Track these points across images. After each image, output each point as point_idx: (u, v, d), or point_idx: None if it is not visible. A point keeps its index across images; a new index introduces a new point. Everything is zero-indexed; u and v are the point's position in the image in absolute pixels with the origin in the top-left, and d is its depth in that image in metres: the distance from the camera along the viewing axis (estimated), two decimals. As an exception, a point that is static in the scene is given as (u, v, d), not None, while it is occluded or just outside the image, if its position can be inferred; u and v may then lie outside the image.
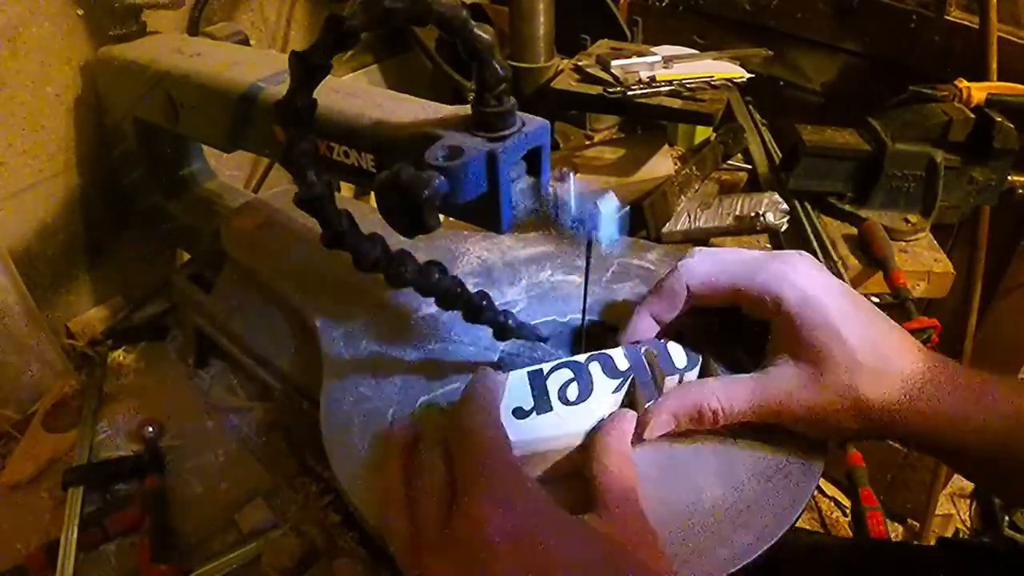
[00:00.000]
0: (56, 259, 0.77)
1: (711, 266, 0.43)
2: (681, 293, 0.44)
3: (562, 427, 0.41)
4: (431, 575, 0.33)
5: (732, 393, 0.41)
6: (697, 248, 0.46)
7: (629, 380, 0.43)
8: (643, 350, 0.44)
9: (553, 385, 0.43)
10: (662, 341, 0.45)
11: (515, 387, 0.42)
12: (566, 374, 0.43)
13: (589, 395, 0.42)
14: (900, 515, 1.57)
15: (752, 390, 0.40)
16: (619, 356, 0.44)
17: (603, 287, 0.57)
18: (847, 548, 0.64)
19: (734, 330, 0.46)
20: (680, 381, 0.44)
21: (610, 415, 0.42)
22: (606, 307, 0.55)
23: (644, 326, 0.45)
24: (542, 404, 0.42)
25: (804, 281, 0.41)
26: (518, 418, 0.41)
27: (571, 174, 0.42)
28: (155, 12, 0.73)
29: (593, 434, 0.41)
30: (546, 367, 0.43)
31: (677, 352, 0.44)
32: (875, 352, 0.39)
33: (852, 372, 0.39)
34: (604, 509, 0.36)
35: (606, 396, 0.42)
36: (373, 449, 0.44)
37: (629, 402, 0.43)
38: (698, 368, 0.44)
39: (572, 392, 0.42)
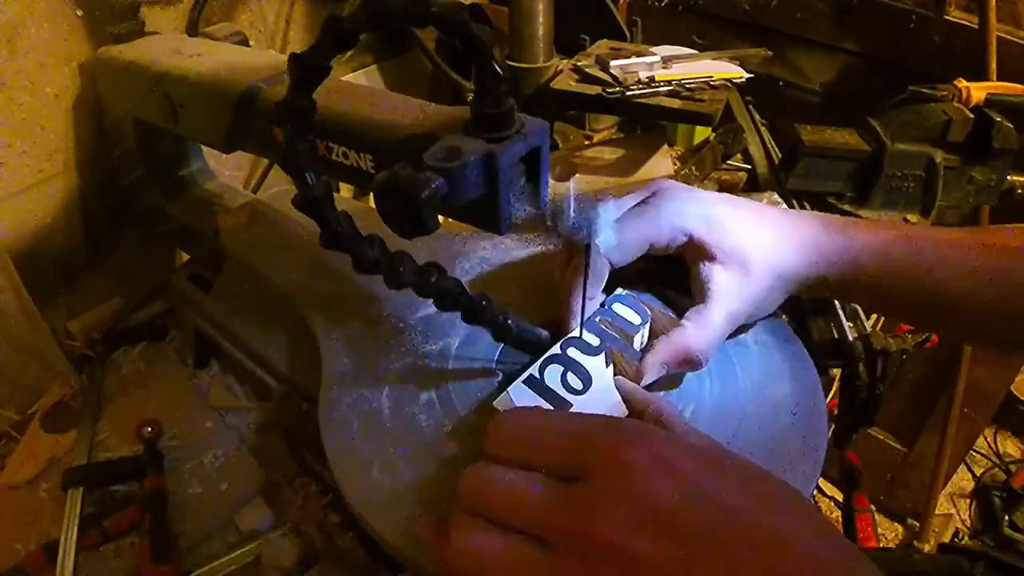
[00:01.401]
0: (55, 259, 0.77)
1: (619, 235, 0.47)
2: (604, 271, 0.48)
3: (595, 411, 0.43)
4: (593, 531, 0.31)
5: (705, 328, 0.46)
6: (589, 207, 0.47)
7: (608, 351, 0.46)
8: (598, 320, 0.48)
9: (553, 383, 0.43)
10: (606, 308, 0.48)
11: (524, 399, 0.42)
12: (557, 368, 0.44)
13: (590, 378, 0.44)
14: (900, 515, 1.57)
15: (717, 315, 0.46)
16: (587, 335, 0.46)
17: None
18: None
19: (649, 272, 0.52)
20: (641, 335, 0.48)
21: (620, 410, 0.43)
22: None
23: (575, 303, 0.48)
24: (559, 403, 0.42)
25: (694, 206, 0.48)
26: None
27: (570, 175, 0.42)
28: (154, 13, 0.73)
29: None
30: (534, 370, 0.44)
31: (627, 312, 0.48)
32: (773, 232, 0.48)
33: (764, 254, 0.47)
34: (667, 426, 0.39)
35: (604, 372, 0.45)
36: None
37: (617, 369, 0.45)
38: (649, 319, 0.49)
39: (574, 381, 0.44)
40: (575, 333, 0.47)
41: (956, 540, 1.50)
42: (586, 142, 1.01)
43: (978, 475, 1.63)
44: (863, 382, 0.66)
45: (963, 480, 1.66)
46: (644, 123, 1.02)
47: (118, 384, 0.73)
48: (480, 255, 0.62)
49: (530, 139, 0.40)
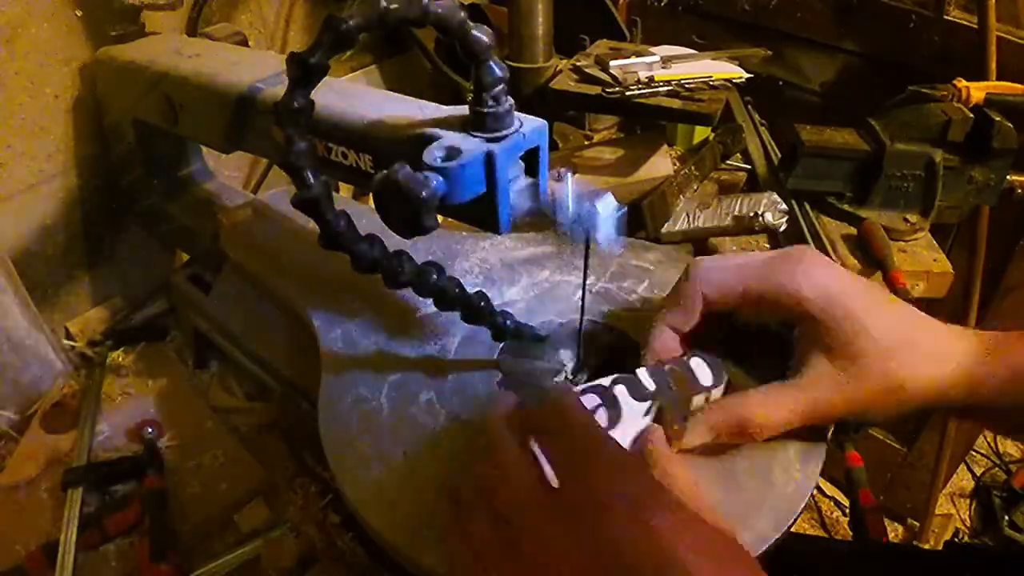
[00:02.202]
0: (55, 260, 0.77)
1: (724, 271, 0.43)
2: (697, 301, 0.43)
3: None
4: (539, 538, 0.31)
5: (774, 404, 0.41)
6: (705, 258, 0.45)
7: (657, 402, 0.41)
8: (667, 368, 0.42)
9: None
10: (685, 358, 0.44)
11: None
12: (592, 400, 0.41)
13: (619, 420, 0.40)
14: (900, 515, 1.57)
15: (794, 398, 0.40)
16: (645, 377, 0.42)
17: (602, 287, 0.57)
18: (852, 552, 0.64)
19: (746, 336, 0.46)
20: (707, 400, 0.43)
21: (641, 431, 0.41)
22: (605, 307, 0.55)
23: (665, 339, 0.44)
24: None
25: (821, 277, 0.41)
26: None
27: (569, 175, 0.42)
28: (154, 13, 0.73)
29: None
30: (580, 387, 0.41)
31: (701, 369, 0.43)
32: (902, 335, 0.40)
33: (885, 359, 0.39)
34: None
35: (636, 420, 0.41)
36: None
37: (662, 424, 0.41)
38: (724, 385, 0.43)
39: (601, 418, 0.40)
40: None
41: (956, 540, 1.50)
42: (586, 142, 1.01)
43: (978, 475, 1.63)
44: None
45: (963, 480, 1.66)
46: (644, 123, 1.02)
47: (118, 384, 0.73)
48: (479, 255, 0.62)
49: (529, 139, 0.40)
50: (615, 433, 0.40)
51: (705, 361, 0.43)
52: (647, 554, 0.29)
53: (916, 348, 0.40)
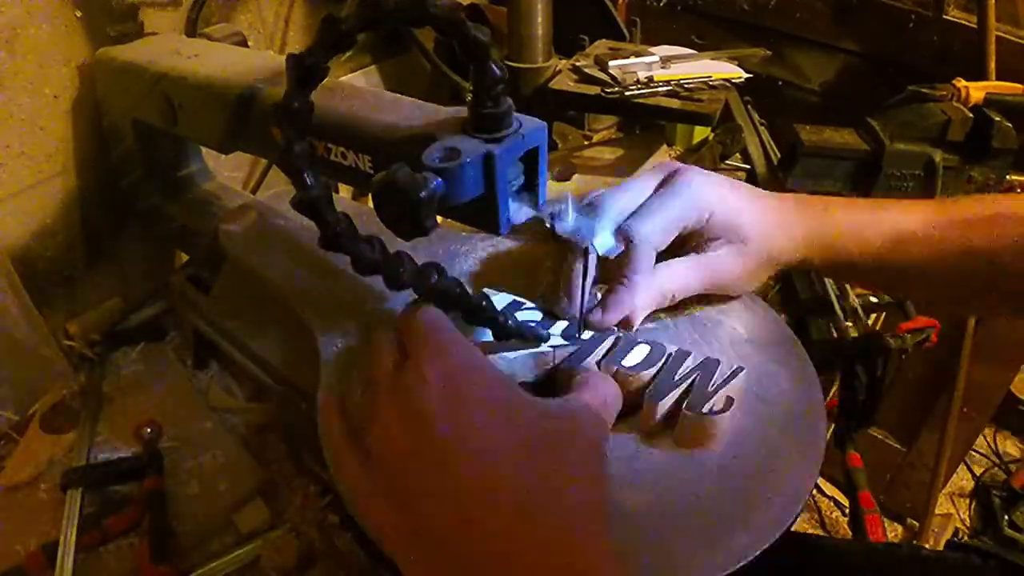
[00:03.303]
0: (55, 260, 0.77)
1: (661, 227, 0.50)
2: (651, 258, 0.50)
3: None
4: (378, 420, 0.36)
5: (684, 276, 0.51)
6: (599, 193, 0.51)
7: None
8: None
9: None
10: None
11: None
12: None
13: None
14: (899, 515, 1.57)
15: (699, 270, 0.51)
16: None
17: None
18: (852, 552, 0.64)
19: None
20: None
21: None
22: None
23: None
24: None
25: (713, 190, 0.52)
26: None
27: (570, 175, 0.42)
28: (153, 13, 0.73)
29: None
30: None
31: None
32: (772, 218, 0.52)
33: (765, 239, 0.52)
34: (573, 396, 0.41)
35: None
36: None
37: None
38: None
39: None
40: (574, 332, 0.48)
41: (956, 540, 1.50)
42: (585, 142, 1.01)
43: (978, 475, 1.63)
44: (862, 382, 0.66)
45: (963, 480, 1.66)
46: (643, 123, 1.02)
47: (117, 385, 0.73)
48: (479, 255, 0.62)
49: (528, 139, 0.40)
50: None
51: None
52: (455, 436, 0.34)
53: (781, 226, 0.52)
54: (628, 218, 0.50)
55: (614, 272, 0.50)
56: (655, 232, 0.49)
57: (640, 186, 0.52)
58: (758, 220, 0.52)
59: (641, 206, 0.50)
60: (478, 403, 0.36)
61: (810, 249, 0.52)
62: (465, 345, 0.40)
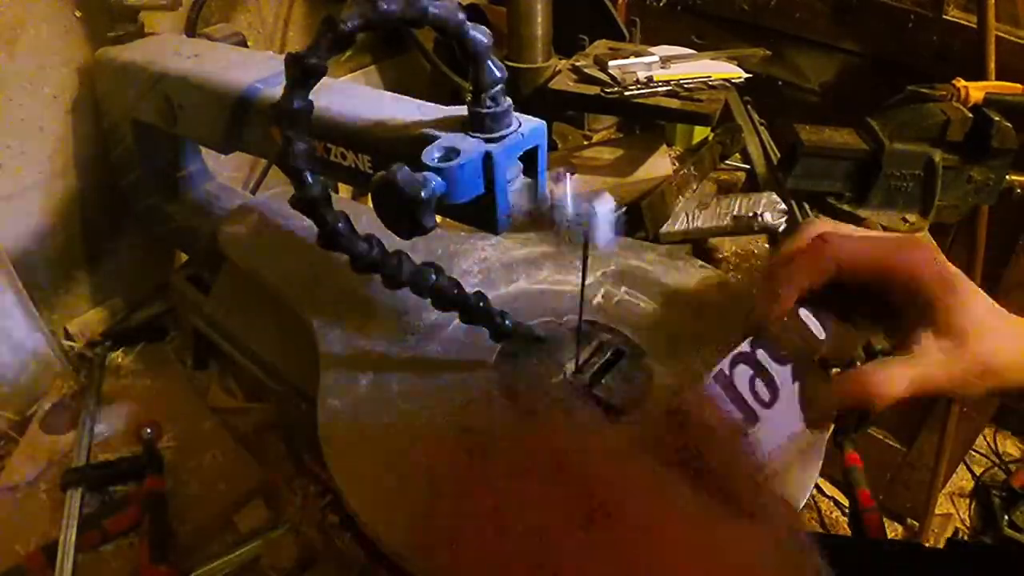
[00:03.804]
0: (55, 260, 0.77)
1: (859, 243, 0.45)
2: (831, 268, 0.44)
3: (779, 432, 0.41)
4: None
5: (890, 378, 0.44)
6: (827, 226, 0.47)
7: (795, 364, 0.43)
8: (786, 324, 0.44)
9: (742, 387, 0.41)
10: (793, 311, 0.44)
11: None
12: (745, 370, 0.42)
13: (777, 390, 0.42)
14: (899, 515, 1.57)
15: (906, 374, 0.44)
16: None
17: (601, 287, 0.57)
18: (852, 548, 0.64)
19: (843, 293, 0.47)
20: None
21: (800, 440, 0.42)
22: (603, 307, 0.55)
23: (791, 298, 0.45)
24: (747, 413, 0.41)
25: (939, 263, 0.45)
26: None
27: (567, 175, 0.42)
28: (153, 13, 0.73)
29: None
30: (725, 365, 0.41)
31: (811, 322, 0.44)
32: (993, 319, 0.45)
33: (980, 339, 0.44)
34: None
35: (791, 385, 0.43)
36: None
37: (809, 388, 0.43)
38: (830, 335, 0.45)
39: (762, 391, 0.41)
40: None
41: (956, 539, 1.50)
42: (585, 142, 1.01)
43: (978, 475, 1.63)
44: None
45: (963, 480, 1.66)
46: (643, 123, 1.02)
47: (117, 385, 0.73)
48: (478, 255, 0.62)
49: (528, 139, 0.41)
50: (777, 408, 0.41)
51: (811, 313, 0.44)
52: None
53: (1003, 331, 0.45)
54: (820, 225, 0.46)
55: None
56: (847, 243, 0.45)
57: (872, 232, 0.48)
58: (980, 312, 0.45)
59: None
60: None
61: None
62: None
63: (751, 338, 0.42)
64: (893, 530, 1.56)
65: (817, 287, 0.45)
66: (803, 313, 0.44)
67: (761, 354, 0.42)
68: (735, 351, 0.42)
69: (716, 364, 0.41)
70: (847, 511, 1.53)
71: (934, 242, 0.47)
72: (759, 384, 0.41)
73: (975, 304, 0.45)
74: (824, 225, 0.47)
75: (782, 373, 0.42)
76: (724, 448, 0.38)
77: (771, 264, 0.47)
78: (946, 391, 0.45)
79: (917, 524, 1.50)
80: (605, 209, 0.40)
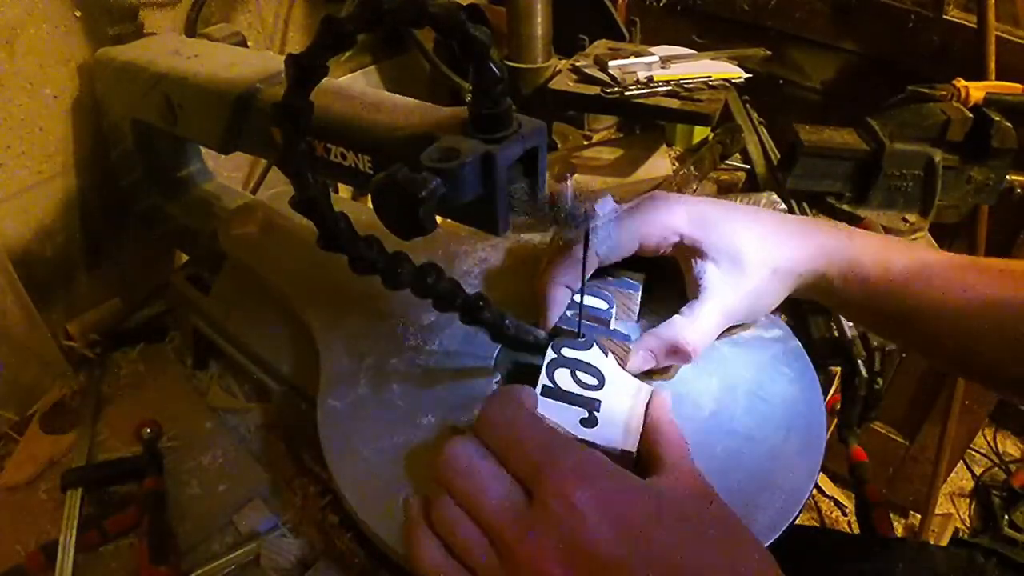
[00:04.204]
0: (54, 260, 0.77)
1: (605, 241, 0.46)
2: (591, 266, 0.48)
3: (622, 408, 0.44)
4: (526, 553, 0.34)
5: (697, 322, 0.46)
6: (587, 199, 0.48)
7: (596, 340, 0.47)
8: (569, 314, 0.49)
9: (568, 386, 0.44)
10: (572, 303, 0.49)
11: (551, 411, 0.43)
12: (564, 372, 0.45)
13: (600, 372, 0.45)
14: (902, 507, 1.57)
15: (709, 312, 0.47)
16: (572, 328, 0.48)
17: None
18: (852, 544, 0.64)
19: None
20: (615, 316, 0.50)
21: (643, 394, 0.45)
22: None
23: (561, 300, 0.49)
24: (586, 403, 0.43)
25: (683, 209, 0.49)
26: (588, 427, 0.42)
27: (568, 176, 0.42)
28: (153, 13, 0.73)
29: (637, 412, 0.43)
30: (545, 379, 0.45)
31: (593, 301, 0.50)
32: (761, 227, 0.48)
33: (757, 249, 0.47)
34: (665, 472, 0.38)
35: (607, 362, 0.46)
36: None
37: (612, 356, 0.47)
38: (614, 301, 0.50)
39: (587, 378, 0.45)
40: (566, 328, 0.49)
41: (957, 539, 1.50)
42: (585, 142, 1.01)
43: (978, 475, 1.63)
44: (863, 379, 0.66)
45: (963, 480, 1.66)
46: (643, 123, 1.02)
47: (117, 385, 0.73)
48: (478, 256, 0.62)
49: (528, 139, 0.40)
50: (610, 386, 0.45)
51: (589, 294, 0.50)
52: (630, 551, 0.33)
53: (775, 234, 0.48)
54: None
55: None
56: (607, 249, 0.48)
57: (617, 207, 0.50)
58: (750, 232, 0.48)
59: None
60: (654, 523, 0.34)
61: (829, 262, 0.47)
62: (597, 456, 0.38)
63: (551, 344, 0.47)
64: (896, 524, 1.56)
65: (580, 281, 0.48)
66: (588, 299, 0.49)
67: (567, 351, 0.47)
68: (545, 362, 0.46)
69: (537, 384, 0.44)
70: (847, 511, 1.53)
71: (667, 193, 0.51)
72: (581, 375, 0.45)
73: (735, 220, 0.48)
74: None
75: (593, 356, 0.46)
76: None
77: (539, 273, 0.50)
78: (753, 308, 0.49)
79: (919, 517, 1.50)
80: (605, 210, 0.40)
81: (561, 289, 0.49)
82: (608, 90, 0.82)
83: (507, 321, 0.47)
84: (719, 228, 0.47)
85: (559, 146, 0.98)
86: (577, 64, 0.89)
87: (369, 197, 0.52)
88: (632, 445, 0.41)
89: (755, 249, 0.47)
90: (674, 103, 0.81)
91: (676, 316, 0.47)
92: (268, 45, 0.94)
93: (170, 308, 0.81)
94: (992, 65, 0.97)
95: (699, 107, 0.80)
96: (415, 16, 0.35)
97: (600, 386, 0.45)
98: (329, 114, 0.47)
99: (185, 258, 0.82)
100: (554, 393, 0.44)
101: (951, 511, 1.61)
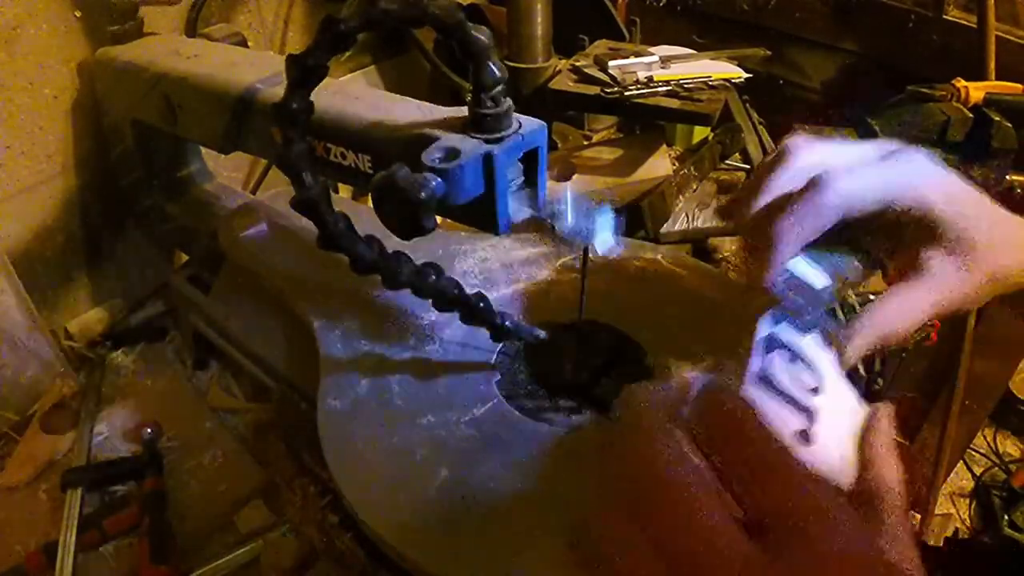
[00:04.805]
0: (55, 260, 0.77)
1: (860, 181, 0.40)
2: (832, 218, 0.39)
3: (839, 426, 0.34)
4: None
5: (909, 308, 0.42)
6: (800, 140, 0.43)
7: (823, 330, 0.38)
8: (784, 281, 0.38)
9: (784, 377, 0.35)
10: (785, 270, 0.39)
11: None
12: (780, 360, 0.36)
13: (819, 371, 0.36)
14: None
15: (925, 298, 0.42)
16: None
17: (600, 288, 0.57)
18: None
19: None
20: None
21: (860, 412, 0.36)
22: (602, 308, 0.55)
23: (790, 251, 0.40)
24: (803, 410, 0.34)
25: (936, 177, 0.42)
26: (802, 444, 0.33)
27: (569, 175, 0.42)
28: (153, 13, 0.73)
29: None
30: (757, 359, 0.35)
31: (809, 273, 0.40)
32: (1003, 227, 0.43)
33: (992, 249, 0.42)
34: (881, 537, 0.30)
35: (825, 359, 0.37)
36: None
37: (833, 352, 0.38)
38: (834, 279, 0.40)
39: (806, 376, 0.36)
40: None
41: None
42: (585, 142, 1.01)
43: (978, 475, 1.63)
44: (862, 378, 0.66)
45: (963, 480, 1.66)
46: (643, 123, 1.02)
47: (117, 385, 0.73)
48: (478, 255, 0.62)
49: (528, 139, 0.40)
50: (828, 393, 0.35)
51: (805, 261, 0.40)
52: None
53: (1015, 237, 0.43)
54: (806, 149, 0.42)
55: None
56: (849, 184, 0.39)
57: (859, 150, 0.43)
58: (988, 221, 0.43)
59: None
60: None
61: None
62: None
63: (766, 315, 0.36)
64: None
65: (816, 236, 0.40)
66: (798, 265, 0.39)
67: (785, 329, 0.36)
68: (757, 337, 0.35)
69: (746, 363, 0.34)
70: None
71: (923, 152, 0.43)
72: (800, 370, 0.35)
73: (981, 212, 0.43)
74: (808, 152, 0.42)
75: (811, 346, 0.36)
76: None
77: (757, 219, 0.41)
78: (966, 303, 0.43)
79: (918, 517, 1.50)
80: (605, 210, 0.40)
81: (795, 245, 0.39)
82: (608, 90, 0.82)
83: (507, 321, 0.47)
84: (968, 215, 0.42)
85: (559, 146, 0.98)
86: (577, 64, 0.89)
87: (369, 197, 0.52)
88: (849, 481, 0.32)
89: (990, 248, 0.42)
90: (674, 103, 0.81)
91: (883, 297, 0.42)
92: (268, 45, 0.94)
93: (170, 308, 0.81)
94: (992, 65, 0.97)
95: (699, 107, 0.80)
96: (414, 16, 0.35)
97: (818, 390, 0.35)
98: (329, 114, 0.47)
99: (185, 258, 0.82)
100: (768, 386, 0.34)
101: (951, 511, 1.61)
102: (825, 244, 0.41)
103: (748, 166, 0.96)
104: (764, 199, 0.42)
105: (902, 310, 0.42)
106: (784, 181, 0.42)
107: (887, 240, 0.45)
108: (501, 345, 0.51)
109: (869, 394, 0.67)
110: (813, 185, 0.39)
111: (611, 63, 0.84)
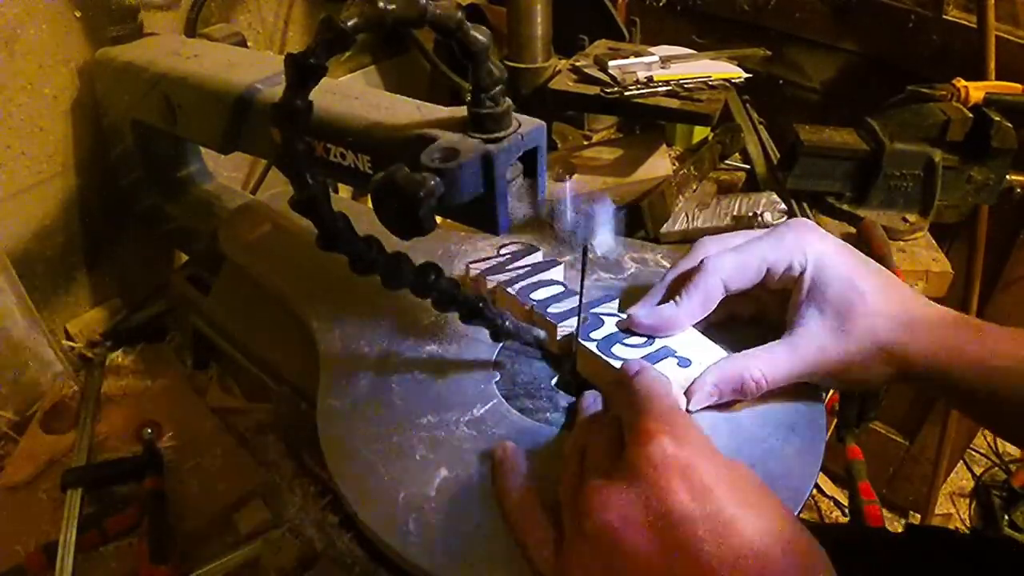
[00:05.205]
0: (54, 261, 0.77)
1: (738, 259, 0.45)
2: (718, 293, 0.45)
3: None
4: (600, 503, 0.33)
5: (771, 361, 0.43)
6: (706, 239, 0.48)
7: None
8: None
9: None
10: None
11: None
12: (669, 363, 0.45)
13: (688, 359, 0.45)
14: (902, 507, 1.57)
15: (789, 355, 0.43)
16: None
17: (600, 287, 0.57)
18: (852, 536, 0.64)
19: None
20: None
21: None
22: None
23: (712, 293, 0.46)
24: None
25: (813, 243, 0.44)
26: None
27: (568, 177, 0.42)
28: (153, 14, 0.73)
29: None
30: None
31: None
32: (887, 299, 0.43)
33: (871, 316, 0.42)
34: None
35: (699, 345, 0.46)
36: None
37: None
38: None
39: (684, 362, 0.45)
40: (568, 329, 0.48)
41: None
42: (585, 142, 1.01)
43: (978, 475, 1.63)
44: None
45: (963, 480, 1.66)
46: (643, 123, 1.02)
47: (117, 385, 0.73)
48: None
49: (528, 139, 0.40)
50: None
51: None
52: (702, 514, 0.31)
53: (901, 313, 0.43)
54: (708, 244, 0.47)
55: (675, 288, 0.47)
56: (727, 262, 0.44)
57: (747, 233, 0.47)
58: (871, 289, 0.43)
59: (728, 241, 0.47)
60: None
61: (950, 357, 0.41)
62: (691, 422, 0.37)
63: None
64: (896, 523, 1.56)
65: (705, 314, 0.46)
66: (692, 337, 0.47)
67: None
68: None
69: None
70: (847, 510, 1.53)
71: (807, 221, 0.47)
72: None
73: (864, 279, 0.43)
74: (710, 245, 0.47)
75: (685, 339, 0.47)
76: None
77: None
78: (842, 374, 0.43)
79: (919, 517, 1.50)
80: (605, 211, 0.40)
81: (716, 280, 0.45)
82: (608, 90, 0.82)
83: (506, 320, 0.47)
84: (841, 276, 0.43)
85: (559, 146, 0.98)
86: (577, 64, 0.89)
87: (369, 197, 0.52)
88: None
89: (869, 316, 0.42)
90: (674, 103, 0.81)
91: (750, 350, 0.44)
92: (268, 45, 0.94)
93: (170, 308, 0.81)
94: (992, 65, 0.97)
95: (699, 107, 0.80)
96: (414, 17, 0.35)
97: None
98: (329, 114, 0.47)
99: (185, 258, 0.82)
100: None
101: (951, 511, 1.61)
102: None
103: (748, 166, 0.96)
104: (661, 289, 0.48)
105: (758, 364, 0.43)
106: (684, 270, 0.47)
107: (754, 305, 0.49)
108: (501, 345, 0.51)
109: (870, 394, 0.67)
110: (699, 268, 0.45)
111: (611, 63, 0.84)
